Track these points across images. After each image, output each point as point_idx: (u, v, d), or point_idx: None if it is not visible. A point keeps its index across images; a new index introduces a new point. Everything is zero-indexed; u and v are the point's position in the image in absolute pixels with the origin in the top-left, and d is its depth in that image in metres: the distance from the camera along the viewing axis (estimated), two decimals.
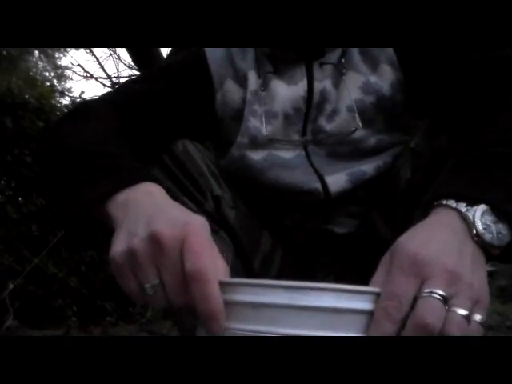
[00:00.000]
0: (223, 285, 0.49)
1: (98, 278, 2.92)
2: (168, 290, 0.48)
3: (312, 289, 0.46)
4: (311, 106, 0.80)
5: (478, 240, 0.48)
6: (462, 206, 0.49)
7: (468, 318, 0.43)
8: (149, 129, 0.79)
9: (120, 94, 0.83)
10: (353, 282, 0.84)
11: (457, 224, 0.48)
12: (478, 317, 0.44)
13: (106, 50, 8.08)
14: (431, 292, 0.43)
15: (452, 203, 0.50)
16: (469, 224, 0.48)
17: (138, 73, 5.58)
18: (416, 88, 0.78)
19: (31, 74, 10.35)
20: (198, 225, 0.49)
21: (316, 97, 0.80)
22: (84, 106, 0.79)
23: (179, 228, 0.47)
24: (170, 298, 0.48)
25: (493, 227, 0.48)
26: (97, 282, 2.91)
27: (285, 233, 0.88)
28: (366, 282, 0.83)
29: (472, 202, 0.49)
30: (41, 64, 11.74)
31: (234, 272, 0.80)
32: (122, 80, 8.14)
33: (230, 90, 0.83)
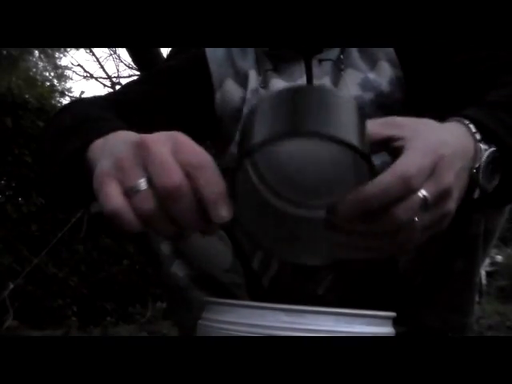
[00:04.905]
0: (222, 305, 0.49)
1: (98, 278, 2.92)
2: (160, 188, 0.42)
3: (310, 312, 0.47)
4: None
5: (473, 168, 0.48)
6: (478, 134, 0.49)
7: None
8: (148, 128, 0.79)
9: (120, 94, 0.83)
10: (352, 281, 0.84)
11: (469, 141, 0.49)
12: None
13: (106, 50, 8.10)
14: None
15: (472, 128, 0.49)
16: (476, 153, 0.48)
17: (138, 73, 5.58)
18: (416, 85, 0.78)
19: (31, 73, 10.35)
20: (181, 133, 0.46)
21: None
22: (84, 98, 0.81)
23: (165, 135, 0.45)
24: (162, 198, 0.42)
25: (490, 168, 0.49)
26: (97, 282, 2.91)
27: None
28: (365, 282, 0.83)
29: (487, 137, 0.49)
30: (41, 64, 11.73)
31: (233, 272, 0.81)
32: (122, 80, 8.15)
33: (230, 90, 0.83)
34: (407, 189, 0.41)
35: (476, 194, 0.50)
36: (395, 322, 0.54)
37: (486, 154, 0.49)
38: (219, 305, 0.52)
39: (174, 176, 0.41)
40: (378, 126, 0.47)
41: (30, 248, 2.65)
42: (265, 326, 0.47)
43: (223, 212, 0.42)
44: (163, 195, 0.42)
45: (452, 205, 0.45)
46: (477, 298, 0.90)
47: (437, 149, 0.43)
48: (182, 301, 0.79)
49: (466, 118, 0.50)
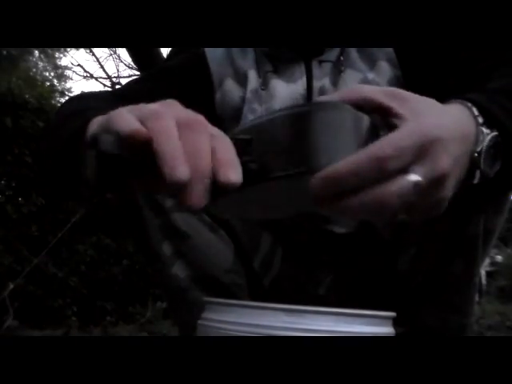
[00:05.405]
0: (222, 305, 0.49)
1: (98, 278, 2.92)
2: (183, 119, 0.43)
3: (311, 312, 0.47)
4: None
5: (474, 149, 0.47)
6: (480, 117, 0.48)
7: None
8: None
9: (120, 92, 0.83)
10: (352, 282, 0.84)
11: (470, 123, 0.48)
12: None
13: (106, 50, 8.11)
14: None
15: (475, 111, 0.49)
16: (478, 134, 0.47)
17: (138, 73, 5.59)
18: (415, 85, 0.78)
19: (31, 74, 10.35)
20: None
21: (315, 95, 0.80)
22: (84, 93, 0.81)
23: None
24: (182, 127, 0.42)
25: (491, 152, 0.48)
26: (97, 282, 2.91)
27: (284, 233, 0.88)
28: (365, 282, 0.83)
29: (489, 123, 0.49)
30: (41, 64, 11.74)
31: (234, 273, 0.81)
32: (122, 80, 8.16)
33: (230, 90, 0.83)
34: (381, 171, 0.40)
35: (476, 179, 0.49)
36: (395, 322, 0.54)
37: (488, 137, 0.48)
38: (219, 305, 0.53)
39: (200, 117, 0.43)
40: (380, 94, 0.46)
41: (30, 248, 2.65)
42: (265, 326, 0.47)
43: (232, 175, 0.40)
44: (184, 125, 0.42)
45: (447, 191, 0.44)
46: (477, 298, 0.90)
47: (433, 131, 0.42)
48: (182, 302, 0.79)
49: (469, 100, 0.50)
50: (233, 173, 0.40)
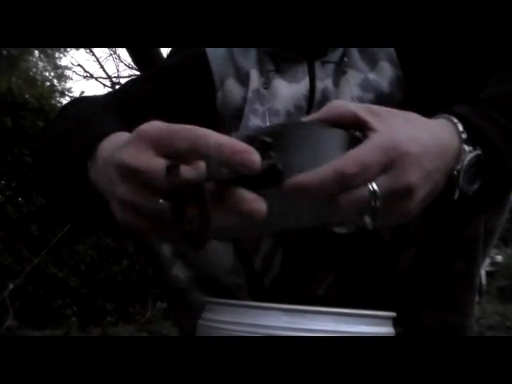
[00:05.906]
0: (222, 305, 0.49)
1: (98, 278, 2.92)
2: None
3: (311, 312, 0.47)
4: (313, 105, 0.80)
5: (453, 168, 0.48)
6: (464, 133, 0.49)
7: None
8: None
9: (121, 92, 0.83)
10: (352, 282, 0.84)
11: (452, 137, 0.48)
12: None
13: (106, 50, 8.12)
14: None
15: (459, 127, 0.49)
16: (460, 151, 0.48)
17: (138, 73, 5.59)
18: (416, 85, 0.78)
19: (31, 74, 10.36)
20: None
21: (318, 96, 0.80)
22: (85, 97, 0.81)
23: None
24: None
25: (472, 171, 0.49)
26: (97, 282, 2.91)
27: (285, 233, 0.88)
28: (365, 282, 0.83)
29: (475, 140, 0.49)
30: (41, 64, 11.74)
31: (235, 273, 0.81)
32: (122, 80, 8.16)
33: (231, 90, 0.83)
34: (344, 185, 0.41)
35: (456, 195, 0.50)
36: (395, 322, 0.54)
37: (469, 156, 0.49)
38: (219, 305, 0.53)
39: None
40: (359, 109, 0.47)
41: (30, 248, 2.65)
42: (265, 326, 0.47)
43: (251, 155, 0.37)
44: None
45: (414, 203, 0.45)
46: (477, 299, 0.90)
47: (400, 145, 0.43)
48: (183, 302, 0.79)
49: (455, 115, 0.50)
50: (249, 153, 0.37)
